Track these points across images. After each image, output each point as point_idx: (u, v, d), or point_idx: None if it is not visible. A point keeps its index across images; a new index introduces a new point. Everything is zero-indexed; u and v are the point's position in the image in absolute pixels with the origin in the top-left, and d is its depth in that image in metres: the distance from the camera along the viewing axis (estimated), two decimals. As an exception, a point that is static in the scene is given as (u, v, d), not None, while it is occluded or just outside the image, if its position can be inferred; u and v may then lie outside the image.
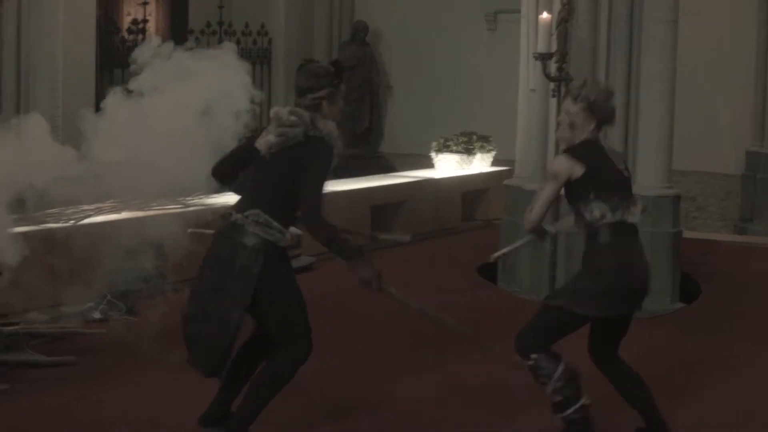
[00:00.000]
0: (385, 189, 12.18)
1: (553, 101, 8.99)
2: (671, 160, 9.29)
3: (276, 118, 5.52)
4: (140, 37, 14.10)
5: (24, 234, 6.97)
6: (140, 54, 5.90)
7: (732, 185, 14.42)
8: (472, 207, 13.31)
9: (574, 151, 5.66)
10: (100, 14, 13.84)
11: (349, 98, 15.69)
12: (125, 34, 14.71)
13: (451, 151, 13.25)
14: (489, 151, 13.42)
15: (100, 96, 6.16)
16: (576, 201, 5.63)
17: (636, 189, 5.93)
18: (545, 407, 5.70)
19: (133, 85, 5.83)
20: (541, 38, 8.90)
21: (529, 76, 9.62)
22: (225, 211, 5.61)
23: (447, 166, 13.24)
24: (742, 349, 7.86)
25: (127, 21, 15.12)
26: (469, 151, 13.24)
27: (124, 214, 8.41)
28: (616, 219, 5.55)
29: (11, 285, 6.59)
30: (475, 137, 13.39)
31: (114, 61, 13.93)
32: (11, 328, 6.98)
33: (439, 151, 13.28)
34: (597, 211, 5.54)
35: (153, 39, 6.27)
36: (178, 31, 15.15)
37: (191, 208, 8.55)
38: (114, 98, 5.93)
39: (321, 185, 5.43)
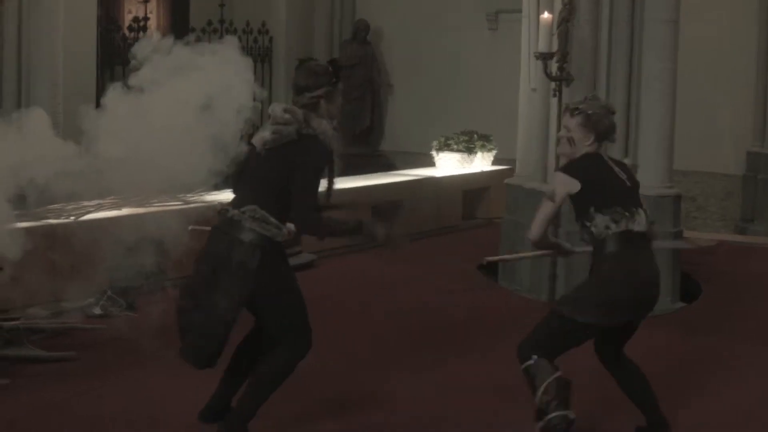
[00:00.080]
0: (385, 187, 12.18)
1: (554, 101, 8.99)
2: (672, 160, 9.29)
3: (271, 116, 5.54)
4: (141, 35, 14.09)
5: (25, 230, 6.98)
6: (140, 49, 5.89)
7: (732, 185, 14.41)
8: (473, 205, 13.31)
9: (570, 167, 5.66)
10: (101, 12, 13.84)
11: (350, 97, 15.72)
12: (126, 32, 14.71)
13: (452, 150, 13.25)
14: (490, 150, 13.41)
15: (101, 94, 6.13)
16: (579, 215, 5.63)
17: (638, 189, 5.92)
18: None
19: (133, 80, 5.82)
20: (542, 38, 8.90)
21: (530, 75, 9.63)
22: (221, 207, 5.62)
23: (448, 164, 13.24)
24: (743, 349, 7.87)
25: (128, 19, 15.12)
26: (470, 150, 13.24)
27: (125, 211, 8.44)
28: (621, 229, 5.53)
29: (12, 280, 6.59)
30: (475, 136, 13.39)
31: (115, 59, 13.94)
32: (12, 323, 7.00)
33: (440, 149, 13.28)
34: (600, 223, 5.54)
35: (153, 34, 6.26)
36: (179, 29, 15.10)
37: (192, 205, 8.57)
38: (114, 94, 5.92)
39: (312, 184, 5.44)
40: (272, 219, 5.43)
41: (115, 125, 5.88)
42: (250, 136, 5.63)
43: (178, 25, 15.55)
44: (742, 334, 8.31)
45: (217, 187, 6.43)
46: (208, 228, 5.71)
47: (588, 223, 5.58)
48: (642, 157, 9.10)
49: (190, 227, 6.41)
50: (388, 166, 14.83)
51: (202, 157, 5.67)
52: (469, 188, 13.16)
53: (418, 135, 14.87)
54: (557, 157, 6.69)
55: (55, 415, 6.08)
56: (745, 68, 14.00)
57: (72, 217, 8.29)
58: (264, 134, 5.52)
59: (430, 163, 13.38)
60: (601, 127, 5.66)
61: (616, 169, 5.70)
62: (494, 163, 13.50)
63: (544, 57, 8.84)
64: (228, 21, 15.59)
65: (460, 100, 15.65)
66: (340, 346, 7.52)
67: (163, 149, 5.73)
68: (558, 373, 5.47)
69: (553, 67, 8.88)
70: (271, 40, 16.09)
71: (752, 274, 10.58)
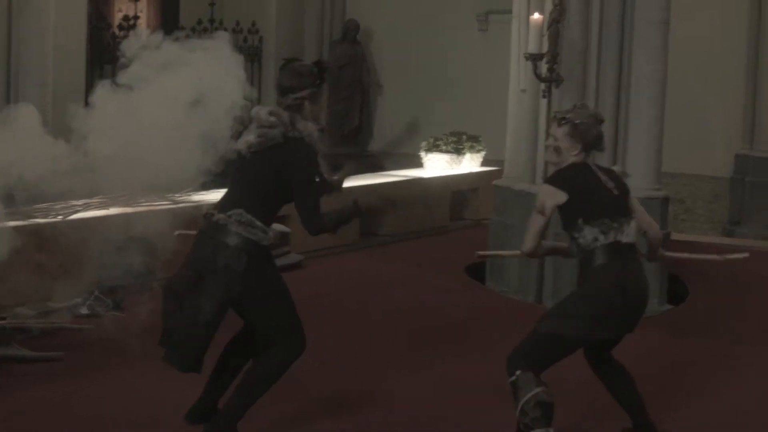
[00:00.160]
0: (374, 188, 12.15)
1: (544, 102, 8.99)
2: (661, 162, 9.30)
3: (256, 119, 5.50)
4: (131, 33, 14.05)
5: (12, 228, 6.95)
6: (129, 46, 5.86)
7: (720, 188, 14.42)
8: (462, 206, 13.30)
9: (555, 178, 5.62)
10: (91, 11, 13.82)
11: (339, 97, 15.71)
12: (116, 31, 14.68)
13: (441, 151, 13.24)
14: (479, 151, 13.41)
15: (90, 92, 6.10)
16: (567, 226, 5.58)
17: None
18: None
19: (122, 78, 5.79)
20: (533, 39, 8.90)
21: (519, 76, 9.62)
22: (207, 211, 5.59)
23: (436, 165, 13.23)
24: (734, 350, 7.88)
25: (118, 17, 15.09)
26: (458, 151, 13.23)
27: (112, 210, 8.41)
28: (609, 241, 5.48)
29: (-2, 280, 6.58)
30: (464, 137, 13.38)
31: (105, 57, 13.90)
32: (-2, 322, 6.97)
33: (429, 150, 13.27)
34: (589, 235, 5.49)
35: (142, 31, 6.24)
36: (168, 28, 15.04)
37: (180, 205, 8.55)
38: (103, 91, 5.89)
39: (309, 188, 5.43)
40: (258, 222, 5.41)
41: (104, 123, 5.86)
42: (239, 134, 5.57)
43: (168, 24, 15.51)
44: (732, 335, 8.32)
45: (206, 186, 6.41)
46: (195, 232, 5.68)
47: (576, 235, 5.53)
48: (631, 158, 9.09)
49: (176, 232, 6.39)
50: (376, 167, 14.79)
51: (192, 154, 5.65)
52: (458, 189, 13.15)
53: (407, 135, 14.86)
54: (546, 162, 6.67)
55: (41, 415, 6.05)
56: (736, 70, 14.00)
57: (60, 216, 8.26)
58: (249, 138, 5.47)
59: (419, 164, 13.37)
60: (588, 137, 5.61)
61: (603, 178, 5.63)
62: (483, 164, 13.49)
63: (534, 58, 8.84)
64: (218, 20, 15.58)
65: (450, 101, 15.62)
66: (338, 345, 7.51)
67: (152, 146, 5.70)
68: (541, 389, 5.37)
69: (543, 68, 8.88)
70: (261, 39, 16.07)
71: (739, 276, 10.58)
